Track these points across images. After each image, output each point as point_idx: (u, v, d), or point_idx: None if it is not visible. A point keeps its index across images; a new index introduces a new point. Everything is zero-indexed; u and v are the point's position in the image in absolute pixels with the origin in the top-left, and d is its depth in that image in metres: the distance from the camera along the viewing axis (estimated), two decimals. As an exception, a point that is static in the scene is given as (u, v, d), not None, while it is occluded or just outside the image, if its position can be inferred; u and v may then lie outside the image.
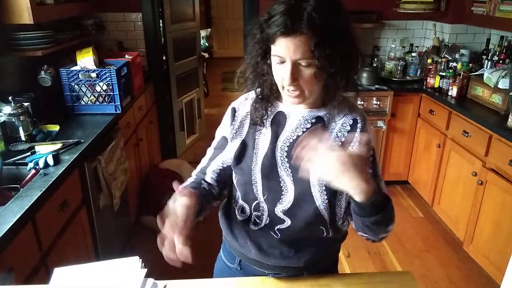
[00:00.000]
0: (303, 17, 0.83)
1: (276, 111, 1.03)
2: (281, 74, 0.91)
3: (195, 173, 1.14)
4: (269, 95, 1.02)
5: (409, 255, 2.62)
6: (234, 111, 1.07)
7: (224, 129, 1.09)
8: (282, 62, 0.89)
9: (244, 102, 1.08)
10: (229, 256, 1.17)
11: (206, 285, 1.08)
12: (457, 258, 2.58)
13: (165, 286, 1.02)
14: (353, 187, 0.81)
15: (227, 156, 1.06)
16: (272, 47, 0.90)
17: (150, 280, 0.99)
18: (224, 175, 1.09)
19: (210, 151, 1.12)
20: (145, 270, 1.00)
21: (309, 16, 0.83)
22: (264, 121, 1.02)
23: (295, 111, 1.01)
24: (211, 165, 1.10)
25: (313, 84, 0.91)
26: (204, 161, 1.13)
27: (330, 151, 0.79)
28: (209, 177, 1.10)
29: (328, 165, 0.78)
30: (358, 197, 0.83)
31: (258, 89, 1.03)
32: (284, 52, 0.87)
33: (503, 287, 1.39)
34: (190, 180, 1.11)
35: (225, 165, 1.08)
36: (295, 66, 0.88)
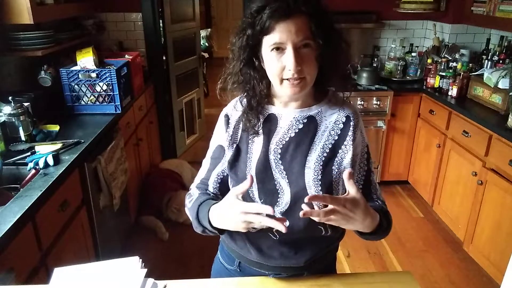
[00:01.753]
0: None
1: (267, 113, 1.02)
2: (280, 64, 0.89)
3: (195, 185, 1.10)
4: (259, 102, 0.99)
5: (409, 255, 2.62)
6: (227, 117, 1.05)
7: (219, 137, 1.06)
8: (281, 50, 0.89)
9: (235, 108, 1.06)
10: (227, 258, 1.17)
11: (206, 285, 1.08)
12: (457, 258, 2.58)
13: (165, 286, 1.02)
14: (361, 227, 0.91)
15: (226, 165, 1.05)
16: (267, 38, 0.89)
17: (150, 280, 0.99)
18: (226, 184, 1.07)
19: (207, 162, 1.09)
20: (145, 270, 1.00)
21: None
22: (256, 127, 1.00)
23: (286, 112, 1.00)
24: (212, 176, 1.07)
25: (314, 69, 0.91)
26: (202, 173, 1.10)
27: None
28: (212, 187, 1.07)
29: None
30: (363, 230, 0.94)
31: (245, 99, 1.01)
32: (285, 36, 0.87)
33: (503, 287, 1.39)
34: (196, 193, 1.07)
35: (225, 174, 1.06)
36: (296, 50, 0.88)
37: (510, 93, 2.26)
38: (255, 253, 1.05)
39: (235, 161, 1.02)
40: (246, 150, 1.01)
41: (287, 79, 0.91)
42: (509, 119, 2.18)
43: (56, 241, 1.61)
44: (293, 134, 0.99)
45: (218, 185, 1.07)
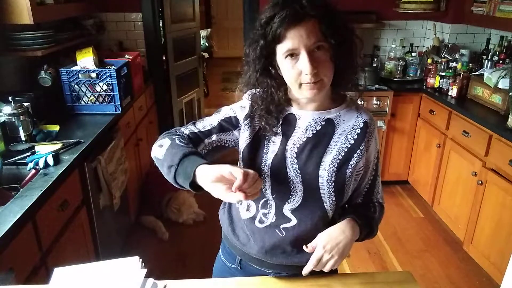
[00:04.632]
0: (303, 3, 0.87)
1: (286, 113, 1.03)
2: (296, 69, 0.90)
3: (188, 131, 1.03)
4: (277, 106, 1.00)
5: (409, 255, 2.62)
6: (252, 96, 1.03)
7: (240, 110, 1.03)
8: (295, 55, 0.89)
9: (256, 104, 1.02)
10: (228, 256, 1.17)
11: (206, 285, 1.08)
12: (457, 258, 2.58)
13: (165, 286, 1.02)
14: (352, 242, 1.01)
15: (230, 138, 1.03)
16: (280, 47, 0.90)
17: (150, 280, 0.99)
18: (216, 151, 1.04)
19: (215, 120, 1.04)
20: (145, 270, 1.00)
21: (310, 1, 0.87)
22: (275, 129, 1.01)
23: (305, 113, 1.01)
24: (210, 138, 1.02)
25: (330, 70, 0.92)
26: (204, 125, 1.04)
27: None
28: (201, 149, 1.02)
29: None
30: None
31: (264, 105, 1.00)
32: (298, 42, 0.87)
33: (503, 287, 1.39)
34: (185, 135, 1.01)
35: (223, 145, 1.03)
36: (311, 53, 0.88)
37: (510, 93, 2.26)
38: (258, 250, 1.06)
39: (250, 155, 1.02)
40: (262, 146, 1.02)
41: (306, 83, 0.91)
42: (509, 119, 2.18)
43: (56, 241, 1.61)
44: (310, 135, 1.00)
45: (211, 148, 1.03)
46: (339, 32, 0.90)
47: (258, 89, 1.02)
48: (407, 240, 2.76)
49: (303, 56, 0.88)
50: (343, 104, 1.03)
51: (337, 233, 0.98)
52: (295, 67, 0.90)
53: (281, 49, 0.90)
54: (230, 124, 1.04)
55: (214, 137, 1.03)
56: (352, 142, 1.00)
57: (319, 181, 0.99)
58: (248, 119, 1.02)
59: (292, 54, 0.90)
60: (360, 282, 1.07)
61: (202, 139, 1.03)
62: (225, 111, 1.06)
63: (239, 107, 1.05)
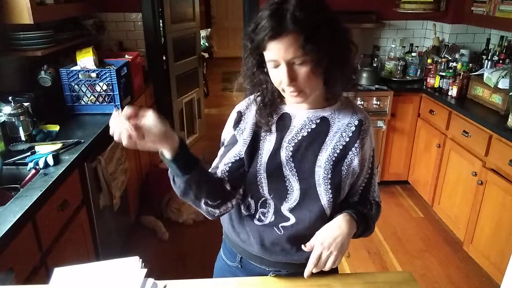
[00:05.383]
0: (286, 17, 0.85)
1: (281, 112, 1.04)
2: (278, 77, 0.92)
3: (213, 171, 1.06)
4: (272, 100, 1.01)
5: (409, 255, 2.62)
6: (240, 114, 1.06)
7: (231, 130, 1.06)
8: (277, 65, 0.90)
9: (249, 105, 1.06)
10: (229, 254, 1.18)
11: (206, 285, 1.08)
12: (457, 258, 2.58)
13: (165, 286, 1.02)
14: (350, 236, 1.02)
15: (239, 149, 1.03)
16: (265, 53, 0.91)
17: (150, 280, 0.99)
18: (236, 169, 1.03)
19: (220, 151, 1.08)
20: (145, 270, 1.00)
21: (292, 15, 0.85)
22: (270, 125, 1.02)
23: (300, 112, 1.02)
24: (223, 160, 1.04)
25: (311, 81, 0.92)
26: (215, 161, 1.07)
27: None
28: (220, 171, 1.02)
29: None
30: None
31: (259, 98, 1.03)
32: (277, 54, 0.88)
33: (503, 287, 1.39)
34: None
35: (237, 158, 1.02)
36: (290, 66, 0.89)
37: (510, 93, 2.26)
38: (257, 247, 1.06)
39: (246, 156, 1.02)
40: (257, 146, 1.02)
41: (288, 91, 0.93)
42: (509, 119, 2.18)
43: (56, 241, 1.61)
44: (305, 134, 1.01)
45: (228, 168, 1.02)
46: (323, 45, 0.87)
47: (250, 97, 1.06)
48: (407, 240, 2.76)
49: (282, 68, 0.89)
50: (337, 103, 1.04)
51: (333, 229, 0.99)
52: (277, 75, 0.91)
53: (266, 56, 0.92)
54: (233, 140, 1.05)
55: (227, 155, 1.04)
56: (347, 139, 1.01)
57: (315, 178, 1.00)
58: (238, 125, 1.04)
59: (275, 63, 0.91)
60: (360, 282, 1.08)
61: (218, 166, 1.04)
62: (223, 137, 1.09)
63: (228, 125, 1.07)
